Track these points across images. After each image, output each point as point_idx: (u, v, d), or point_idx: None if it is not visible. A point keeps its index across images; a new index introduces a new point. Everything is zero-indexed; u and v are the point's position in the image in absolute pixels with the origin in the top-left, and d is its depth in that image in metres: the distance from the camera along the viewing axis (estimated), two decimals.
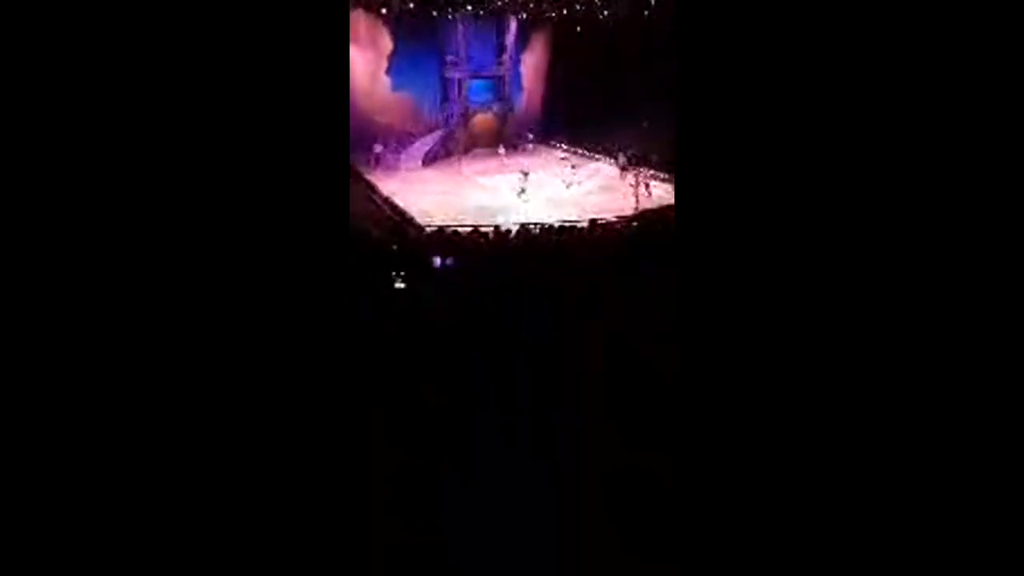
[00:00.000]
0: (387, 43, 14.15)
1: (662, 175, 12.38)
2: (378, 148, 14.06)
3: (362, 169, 13.41)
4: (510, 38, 15.56)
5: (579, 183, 12.60)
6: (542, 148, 16.24)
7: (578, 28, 14.91)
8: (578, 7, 13.47)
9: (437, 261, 5.08)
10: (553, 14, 13.99)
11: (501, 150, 14.47)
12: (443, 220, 10.06)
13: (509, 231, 8.06)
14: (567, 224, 8.99)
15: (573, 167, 13.06)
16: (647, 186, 11.62)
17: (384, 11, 12.71)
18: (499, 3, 13.16)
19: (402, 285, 4.13)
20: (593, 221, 9.38)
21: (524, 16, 14.56)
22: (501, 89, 16.21)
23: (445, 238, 7.73)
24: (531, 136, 16.41)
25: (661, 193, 11.50)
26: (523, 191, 11.78)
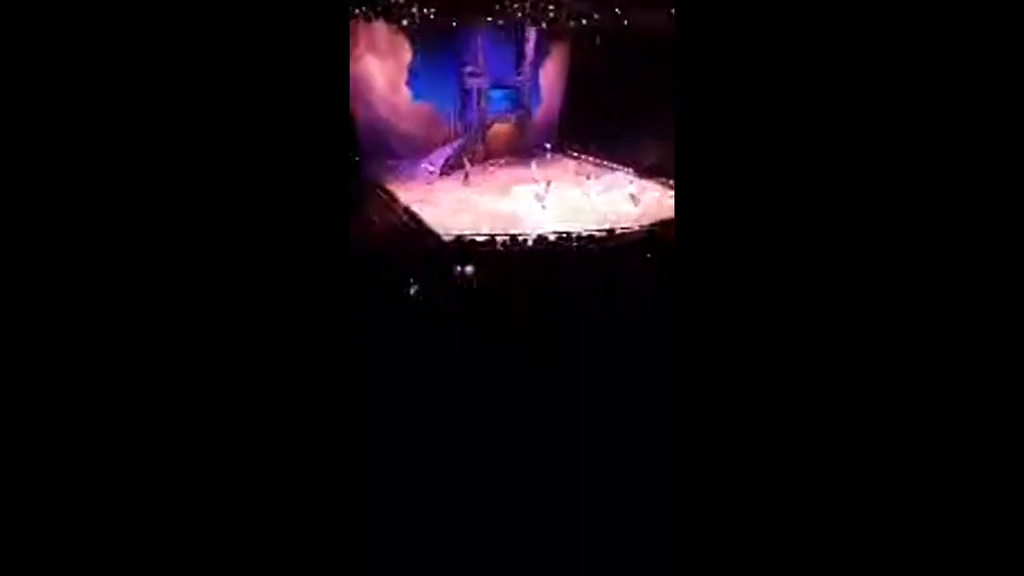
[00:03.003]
0: (407, 54, 14.35)
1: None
2: (403, 161, 14.31)
3: (385, 179, 13.61)
4: (529, 48, 15.65)
5: (598, 192, 12.58)
6: (561, 157, 16.27)
7: (597, 38, 14.93)
8: (597, 17, 13.49)
9: (457, 269, 5.13)
10: (572, 24, 14.03)
11: (534, 165, 14.45)
12: (461, 229, 10.12)
13: (527, 240, 8.07)
14: (584, 233, 8.97)
15: (592, 176, 13.05)
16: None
17: (404, 23, 12.90)
18: (518, 14, 13.25)
19: (416, 291, 4.16)
20: (611, 230, 9.34)
21: (543, 26, 14.63)
22: (520, 99, 16.30)
23: (463, 247, 7.76)
24: (549, 145, 16.45)
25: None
26: (542, 199, 11.82)
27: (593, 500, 2.18)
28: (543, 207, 11.60)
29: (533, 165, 14.53)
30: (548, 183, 12.20)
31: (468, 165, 14.08)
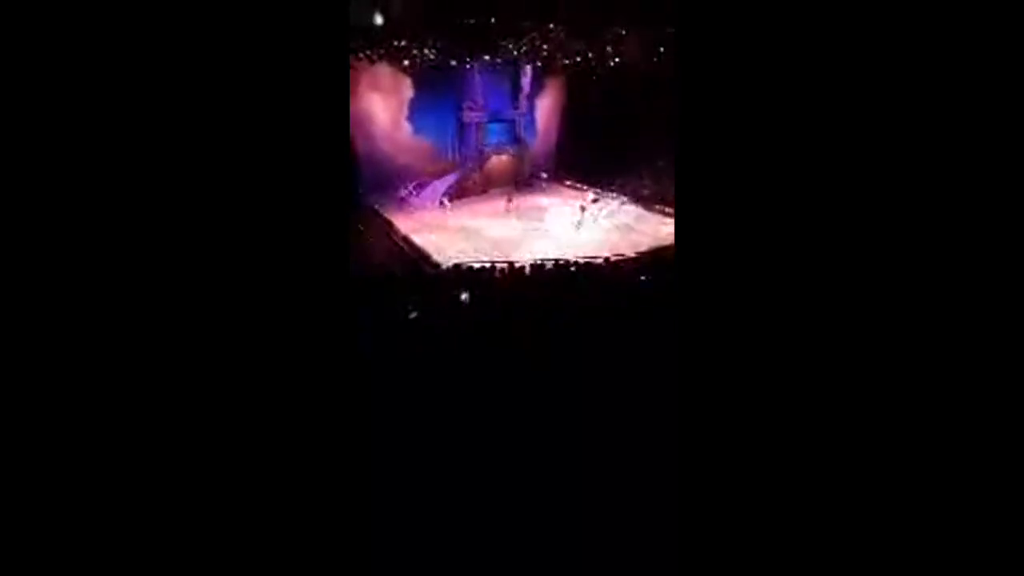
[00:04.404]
0: (408, 91, 14.89)
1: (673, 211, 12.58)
2: (402, 192, 14.66)
3: (386, 209, 13.93)
4: (525, 84, 16.24)
5: (595, 220, 12.87)
6: (557, 186, 16.69)
7: (592, 75, 15.50)
8: (590, 55, 14.05)
9: (454, 296, 5.24)
10: (566, 61, 14.59)
11: (590, 194, 14.58)
12: (459, 257, 10.32)
13: (524, 267, 8.23)
14: (582, 260, 9.14)
15: (594, 202, 13.43)
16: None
17: (406, 63, 13.46)
18: (514, 52, 13.81)
19: (415, 316, 4.29)
20: (607, 258, 9.52)
21: (538, 64, 15.21)
22: (516, 132, 16.82)
23: (461, 274, 7.92)
24: (545, 175, 16.88)
25: (672, 230, 11.65)
26: (578, 223, 12.35)
27: (589, 511, 2.21)
28: (578, 231, 12.14)
29: (590, 193, 14.74)
30: (583, 208, 12.78)
31: (508, 198, 14.56)
